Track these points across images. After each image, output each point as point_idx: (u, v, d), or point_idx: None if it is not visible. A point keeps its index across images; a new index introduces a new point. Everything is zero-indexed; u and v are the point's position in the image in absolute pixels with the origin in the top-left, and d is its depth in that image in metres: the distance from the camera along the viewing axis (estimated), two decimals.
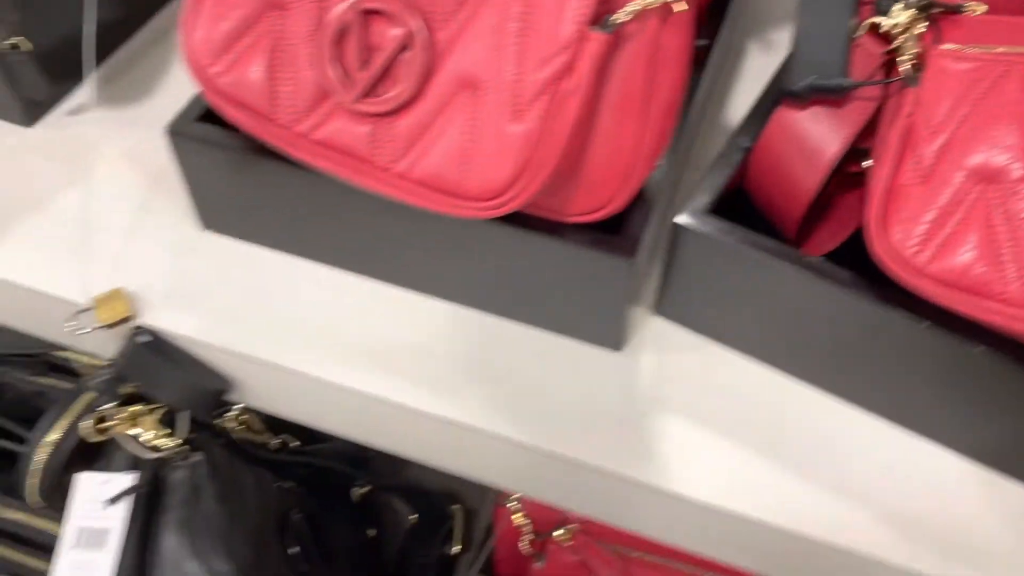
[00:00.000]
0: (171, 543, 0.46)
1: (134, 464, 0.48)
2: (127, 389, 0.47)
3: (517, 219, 0.40)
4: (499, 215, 0.36)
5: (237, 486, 0.49)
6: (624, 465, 0.41)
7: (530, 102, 0.35)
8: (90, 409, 0.49)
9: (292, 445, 0.61)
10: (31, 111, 0.54)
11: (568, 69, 0.35)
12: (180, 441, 0.48)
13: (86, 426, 0.47)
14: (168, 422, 0.49)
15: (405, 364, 0.44)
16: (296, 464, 0.57)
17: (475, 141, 0.36)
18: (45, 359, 0.64)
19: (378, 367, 0.44)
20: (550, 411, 0.42)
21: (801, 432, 0.42)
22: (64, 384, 0.63)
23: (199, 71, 0.39)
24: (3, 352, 0.64)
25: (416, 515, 0.69)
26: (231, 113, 0.39)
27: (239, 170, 0.44)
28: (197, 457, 0.48)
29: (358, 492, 0.66)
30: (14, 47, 0.49)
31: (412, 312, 0.46)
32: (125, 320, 0.45)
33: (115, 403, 0.48)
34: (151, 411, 0.48)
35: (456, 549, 0.67)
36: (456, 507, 0.69)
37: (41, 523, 0.56)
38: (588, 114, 0.36)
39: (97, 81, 0.58)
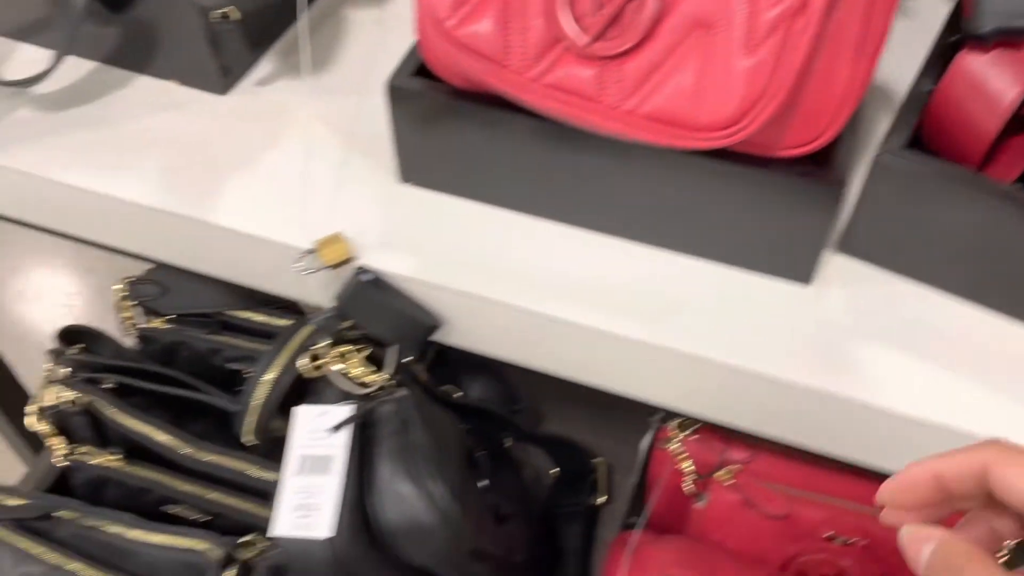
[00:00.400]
0: (386, 469, 0.49)
1: (343, 399, 0.52)
2: (344, 326, 0.50)
3: (726, 155, 0.43)
4: (730, 144, 0.40)
5: (437, 421, 0.53)
6: (830, 383, 0.43)
7: (763, 38, 0.38)
8: (303, 348, 0.52)
9: (456, 395, 0.64)
10: (227, 80, 0.58)
11: (802, 7, 0.38)
12: (387, 377, 0.51)
13: (303, 364, 0.51)
14: (373, 360, 0.52)
15: (613, 299, 0.47)
16: (469, 411, 0.61)
17: (706, 76, 0.40)
18: (219, 319, 0.68)
19: (586, 301, 0.47)
20: (752, 339, 0.45)
21: (992, 355, 0.45)
22: (238, 341, 0.67)
23: (436, 24, 0.43)
24: (181, 312, 0.68)
25: (557, 468, 0.73)
26: (466, 62, 0.43)
27: (453, 121, 0.48)
28: (402, 392, 0.51)
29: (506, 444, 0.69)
30: (224, 16, 0.53)
31: (612, 254, 0.49)
32: (347, 261, 0.49)
33: (328, 342, 0.52)
34: (359, 350, 0.52)
35: (602, 499, 0.70)
36: (599, 460, 0.72)
37: (233, 463, 0.59)
38: (814, 49, 0.39)
39: (277, 54, 0.62)
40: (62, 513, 0.56)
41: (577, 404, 0.94)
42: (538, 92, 0.42)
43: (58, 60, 0.55)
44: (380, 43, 0.63)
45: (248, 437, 0.54)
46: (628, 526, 0.64)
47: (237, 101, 0.58)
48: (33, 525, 0.56)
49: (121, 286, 0.69)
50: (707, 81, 0.40)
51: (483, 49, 0.43)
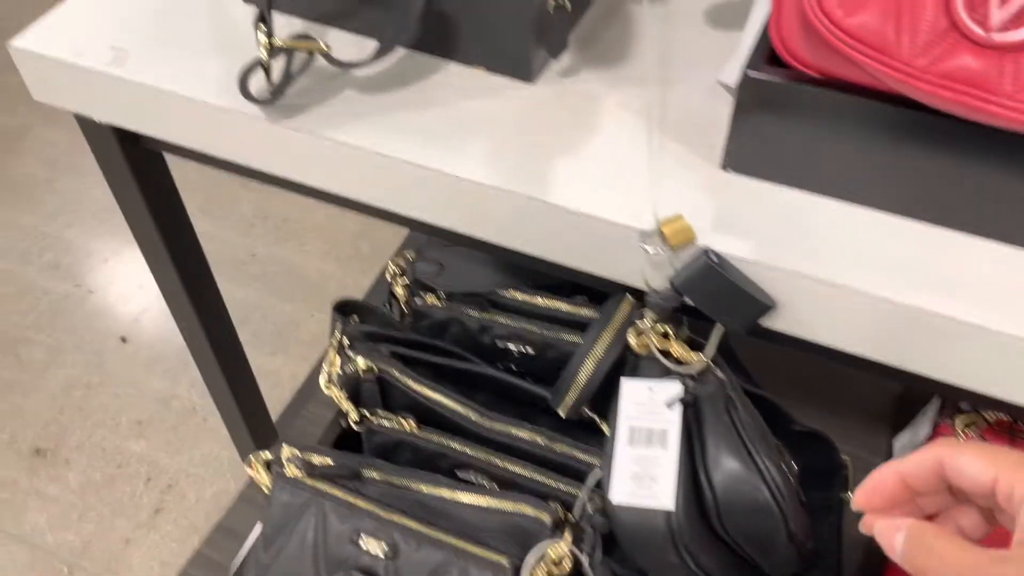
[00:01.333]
0: (716, 447, 0.51)
1: (663, 374, 0.53)
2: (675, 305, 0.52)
3: None
4: None
5: (749, 404, 0.54)
6: None
7: None
8: (625, 326, 0.54)
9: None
10: (536, 68, 0.61)
11: None
12: (708, 359, 0.53)
13: (638, 341, 0.53)
14: (689, 341, 0.54)
15: (979, 295, 0.47)
16: (753, 398, 0.62)
17: None
18: (488, 298, 0.71)
19: (954, 296, 0.47)
20: None
21: None
22: (508, 320, 0.69)
23: (827, 13, 0.44)
24: (454, 291, 0.71)
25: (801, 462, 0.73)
26: (852, 52, 0.44)
27: (806, 110, 0.49)
28: (721, 374, 0.53)
29: None
30: (559, 7, 0.56)
31: (951, 247, 0.50)
32: (689, 243, 0.50)
33: (653, 320, 0.53)
34: (678, 329, 0.54)
35: (849, 496, 0.70)
36: (847, 457, 0.72)
37: (523, 433, 0.61)
38: None
39: (575, 44, 0.64)
40: (371, 472, 0.59)
41: (807, 400, 0.94)
42: (929, 82, 0.43)
43: (389, 48, 0.58)
44: (671, 38, 0.65)
45: (567, 408, 0.56)
46: None
47: (546, 89, 0.61)
48: (346, 484, 0.59)
49: (396, 263, 0.72)
50: None
51: (869, 39, 0.44)
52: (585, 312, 0.67)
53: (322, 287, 1.52)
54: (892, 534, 0.34)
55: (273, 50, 0.56)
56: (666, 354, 0.53)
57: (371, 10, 0.62)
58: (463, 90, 0.61)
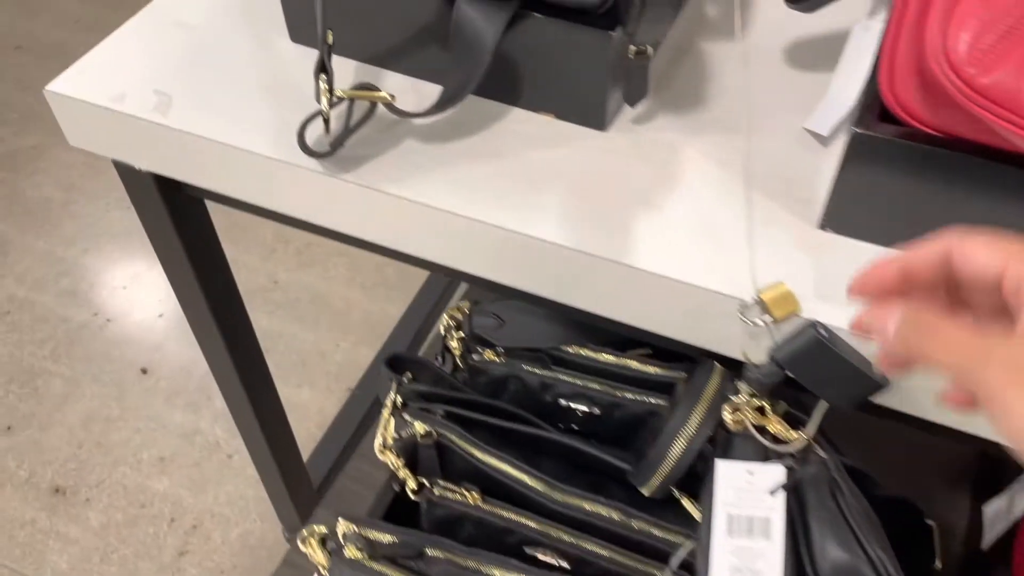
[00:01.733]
0: (822, 535, 0.47)
1: (757, 454, 0.49)
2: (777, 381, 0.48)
3: None
4: None
5: (853, 484, 0.50)
6: None
7: None
8: (718, 400, 0.50)
9: None
10: (609, 117, 0.57)
11: None
12: (810, 437, 0.49)
13: (732, 417, 0.49)
14: (788, 417, 0.50)
15: None
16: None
17: None
18: (549, 353, 0.67)
19: None
20: None
21: None
22: (571, 377, 0.65)
23: (957, 71, 0.40)
24: (512, 346, 0.67)
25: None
26: (984, 113, 0.40)
27: (921, 169, 0.45)
28: (823, 453, 0.49)
29: None
30: (641, 53, 0.52)
31: None
32: (793, 314, 0.46)
33: (749, 394, 0.49)
34: (775, 405, 0.50)
35: (938, 565, 0.66)
36: (932, 522, 0.68)
37: (598, 508, 0.57)
38: None
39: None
40: (435, 551, 0.55)
41: (877, 460, 0.90)
42: None
43: (457, 100, 0.54)
44: (751, 79, 0.61)
45: (653, 488, 0.52)
46: None
47: (620, 138, 0.57)
48: (408, 563, 0.55)
49: (451, 316, 0.68)
50: None
51: (1004, 98, 0.40)
52: (656, 371, 0.63)
53: (347, 315, 1.48)
54: (884, 319, 0.33)
55: (334, 101, 0.52)
56: (762, 430, 0.49)
57: (432, 54, 0.58)
58: (530, 139, 0.57)
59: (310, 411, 1.34)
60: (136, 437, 1.31)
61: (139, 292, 1.52)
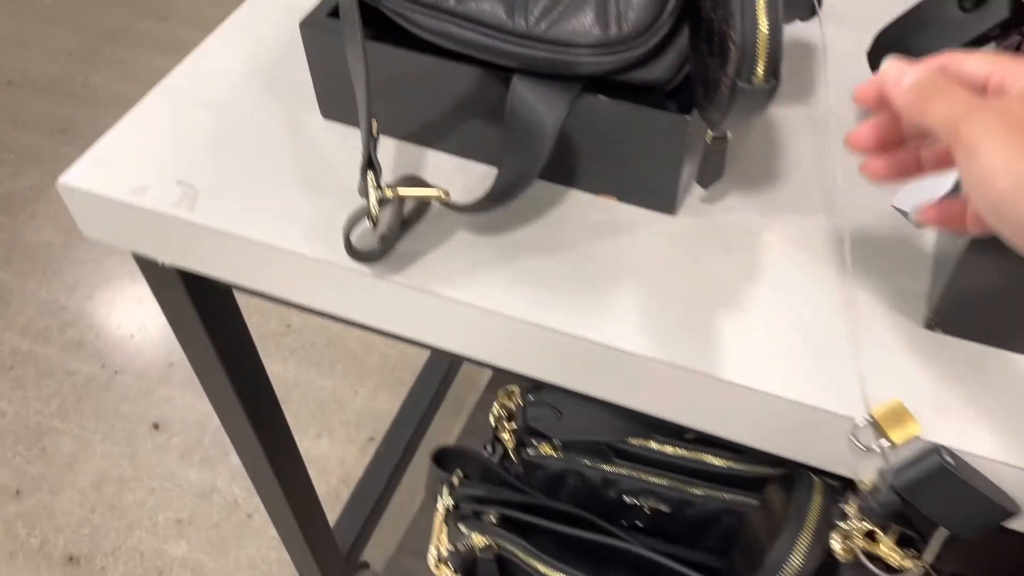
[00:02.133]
0: None
1: None
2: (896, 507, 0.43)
3: None
4: None
5: None
6: None
7: None
8: (823, 524, 0.45)
9: None
10: (680, 200, 0.52)
11: None
12: (928, 566, 0.44)
13: (842, 546, 0.44)
14: (904, 540, 0.45)
15: None
16: None
17: None
18: (611, 445, 0.62)
19: None
20: None
21: None
22: (637, 472, 0.60)
23: None
24: (571, 439, 0.62)
25: None
26: None
27: None
28: None
29: None
30: (719, 138, 0.47)
31: None
32: (912, 437, 0.41)
33: (859, 519, 0.44)
34: (887, 529, 0.45)
35: None
36: None
37: None
38: None
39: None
40: None
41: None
42: None
43: (516, 193, 0.49)
44: (825, 147, 0.56)
45: None
46: None
47: (690, 222, 0.52)
48: None
49: (502, 405, 0.63)
50: None
51: None
52: (730, 464, 0.58)
53: (365, 359, 1.43)
54: (902, 71, 0.36)
55: (383, 200, 0.47)
56: (873, 558, 0.44)
57: (482, 133, 0.53)
58: (592, 225, 0.52)
59: (330, 463, 1.29)
60: (151, 498, 1.26)
61: (147, 341, 1.47)
